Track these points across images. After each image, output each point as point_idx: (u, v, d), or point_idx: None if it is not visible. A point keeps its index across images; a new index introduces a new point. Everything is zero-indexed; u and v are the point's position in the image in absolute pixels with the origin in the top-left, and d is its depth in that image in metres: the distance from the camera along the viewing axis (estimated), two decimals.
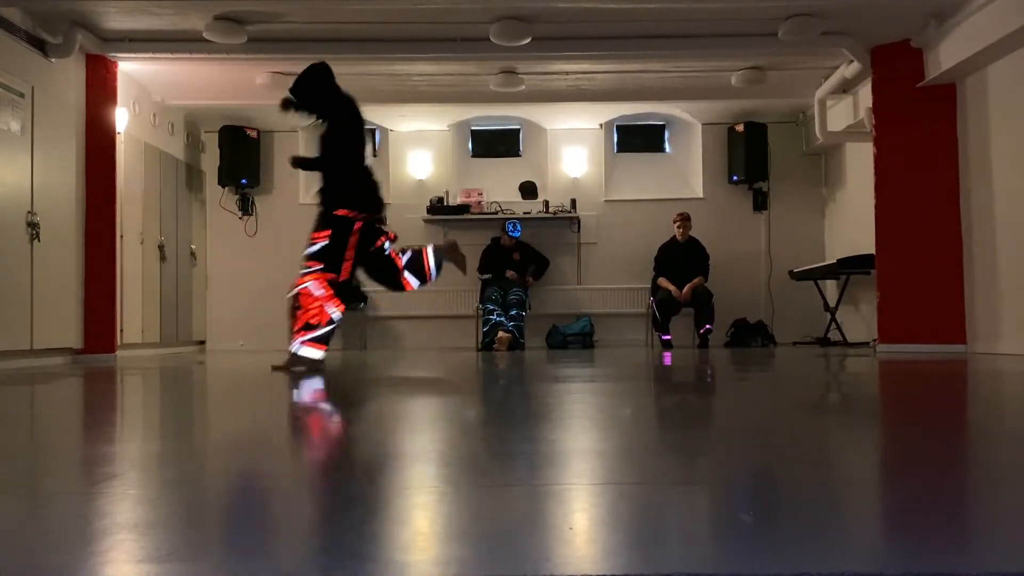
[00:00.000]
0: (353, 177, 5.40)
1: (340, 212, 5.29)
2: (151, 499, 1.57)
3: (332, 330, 5.38)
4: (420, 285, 5.63)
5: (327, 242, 5.28)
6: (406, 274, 5.55)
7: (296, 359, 5.30)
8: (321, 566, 1.10)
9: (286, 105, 5.43)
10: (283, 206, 10.60)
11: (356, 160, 5.42)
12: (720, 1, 6.91)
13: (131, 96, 8.49)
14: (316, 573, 1.08)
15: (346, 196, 5.34)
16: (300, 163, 5.84)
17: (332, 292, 5.28)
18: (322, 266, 5.26)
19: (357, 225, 5.30)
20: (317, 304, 5.26)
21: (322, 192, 5.44)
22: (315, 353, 5.30)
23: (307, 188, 10.72)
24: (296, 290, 5.32)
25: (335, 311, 5.32)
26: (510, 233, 9.73)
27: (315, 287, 5.25)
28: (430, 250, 5.61)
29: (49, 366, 6.80)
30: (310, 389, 4.16)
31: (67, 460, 2.09)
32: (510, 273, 9.62)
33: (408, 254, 5.56)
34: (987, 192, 7.17)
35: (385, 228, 5.54)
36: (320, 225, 5.34)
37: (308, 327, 5.26)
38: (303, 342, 5.28)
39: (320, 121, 5.50)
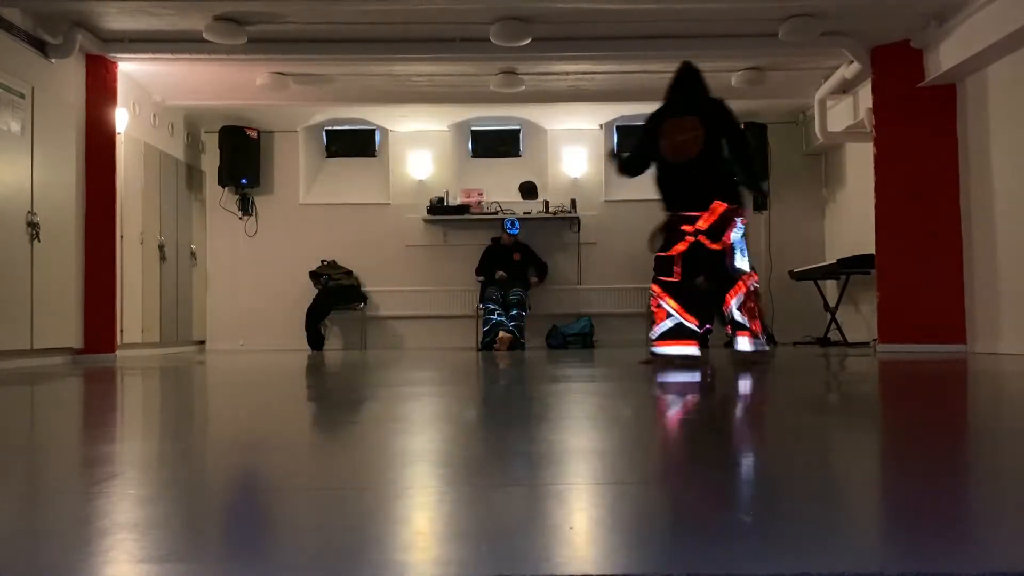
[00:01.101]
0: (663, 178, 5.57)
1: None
2: (151, 499, 1.57)
3: (675, 325, 5.37)
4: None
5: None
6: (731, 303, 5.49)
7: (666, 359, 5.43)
8: (321, 566, 1.10)
9: None
10: (283, 206, 10.60)
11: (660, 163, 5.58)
12: (720, 1, 6.91)
13: (131, 96, 8.49)
14: (316, 573, 1.08)
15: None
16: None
17: (666, 292, 5.44)
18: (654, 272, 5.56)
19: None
20: (654, 303, 5.48)
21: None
22: (663, 350, 5.38)
23: (307, 188, 10.75)
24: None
25: (669, 306, 5.43)
26: (508, 230, 9.72)
27: (655, 291, 5.50)
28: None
29: (49, 366, 6.80)
30: (311, 389, 4.16)
31: (67, 460, 2.09)
32: (499, 274, 9.59)
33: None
34: (987, 192, 7.17)
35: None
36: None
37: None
38: (654, 342, 5.44)
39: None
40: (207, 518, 1.45)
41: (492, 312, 9.37)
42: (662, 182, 5.59)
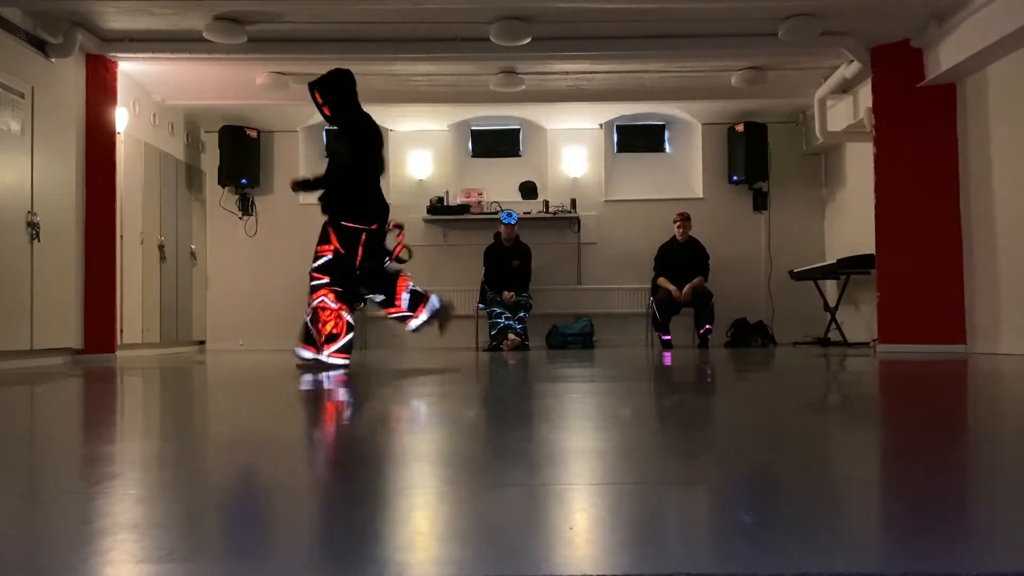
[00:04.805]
0: (361, 188, 5.59)
1: (348, 223, 5.48)
2: (151, 499, 1.57)
3: (352, 338, 5.61)
4: (401, 317, 5.77)
5: (331, 256, 5.48)
6: (404, 297, 5.71)
7: (325, 366, 5.48)
8: (321, 566, 1.10)
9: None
10: (283, 206, 10.60)
11: (368, 173, 5.60)
12: (720, 1, 6.91)
13: (131, 96, 8.49)
14: (316, 573, 1.08)
15: (352, 207, 5.53)
16: (304, 185, 5.81)
17: (342, 303, 5.51)
18: (329, 280, 5.48)
19: (363, 237, 5.51)
20: (334, 315, 5.48)
21: (326, 201, 5.58)
22: (340, 362, 5.51)
23: None
24: (314, 304, 5.52)
25: (350, 317, 5.56)
26: (504, 220, 9.67)
27: (330, 300, 5.48)
28: (433, 300, 5.77)
29: (49, 366, 6.80)
30: (313, 389, 4.16)
31: (67, 460, 2.09)
32: (508, 295, 9.49)
33: (412, 288, 5.75)
34: (987, 192, 7.17)
35: (392, 240, 5.71)
36: (324, 237, 5.54)
37: (331, 338, 5.48)
38: (330, 353, 5.49)
39: (334, 128, 5.76)
40: (207, 518, 1.45)
41: (500, 316, 9.38)
42: (362, 193, 5.62)
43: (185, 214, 9.92)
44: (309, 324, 5.57)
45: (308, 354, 5.58)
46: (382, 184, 5.76)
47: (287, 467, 1.96)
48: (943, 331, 7.43)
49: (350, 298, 5.60)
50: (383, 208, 5.68)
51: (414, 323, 5.74)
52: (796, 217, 10.53)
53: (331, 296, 5.48)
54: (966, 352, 7.25)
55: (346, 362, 5.54)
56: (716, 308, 9.51)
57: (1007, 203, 6.91)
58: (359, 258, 5.51)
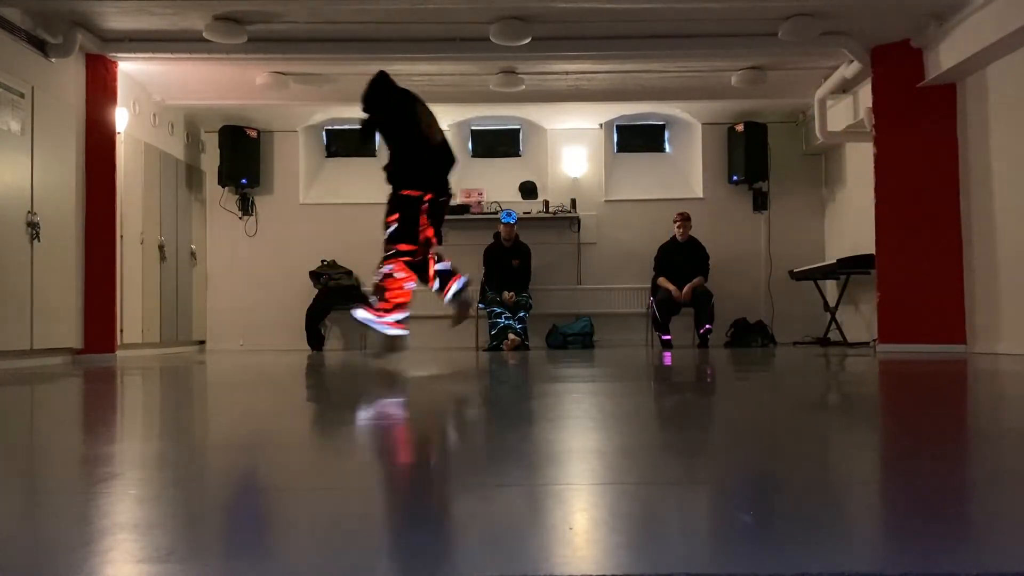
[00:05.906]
0: (419, 159, 5.76)
1: (405, 192, 5.68)
2: (151, 499, 1.57)
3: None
4: (435, 288, 5.96)
5: (398, 224, 5.66)
6: (435, 275, 5.91)
7: (387, 340, 5.75)
8: (321, 566, 1.10)
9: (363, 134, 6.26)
10: (283, 206, 10.61)
11: (416, 145, 5.76)
12: (720, 1, 6.91)
13: (131, 96, 8.49)
14: (316, 573, 1.08)
15: (411, 176, 5.71)
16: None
17: (411, 272, 5.72)
18: (398, 250, 5.67)
19: (427, 199, 5.69)
20: (399, 285, 5.68)
21: (389, 174, 5.81)
22: (399, 332, 5.74)
23: (307, 188, 10.75)
24: (383, 271, 5.70)
25: (412, 286, 5.79)
26: (504, 220, 9.67)
27: (398, 272, 5.66)
28: (461, 280, 5.98)
29: (49, 366, 6.80)
30: (312, 389, 4.16)
31: (67, 460, 2.09)
32: (508, 295, 9.49)
33: (444, 264, 5.95)
34: (987, 192, 7.17)
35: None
36: (390, 209, 5.75)
37: (399, 307, 5.69)
38: (391, 323, 5.68)
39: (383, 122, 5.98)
40: (207, 518, 1.45)
41: (500, 315, 9.39)
42: (419, 163, 5.80)
43: (185, 214, 9.92)
44: (374, 289, 5.74)
45: (363, 313, 5.74)
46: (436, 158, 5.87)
47: (287, 467, 1.96)
48: (943, 331, 7.43)
49: (418, 268, 5.78)
50: (436, 180, 5.78)
51: (449, 294, 5.92)
52: (796, 217, 10.53)
53: (401, 267, 5.64)
54: (966, 352, 7.24)
55: (405, 332, 5.73)
56: (716, 308, 9.51)
57: (1007, 203, 6.90)
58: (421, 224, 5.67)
